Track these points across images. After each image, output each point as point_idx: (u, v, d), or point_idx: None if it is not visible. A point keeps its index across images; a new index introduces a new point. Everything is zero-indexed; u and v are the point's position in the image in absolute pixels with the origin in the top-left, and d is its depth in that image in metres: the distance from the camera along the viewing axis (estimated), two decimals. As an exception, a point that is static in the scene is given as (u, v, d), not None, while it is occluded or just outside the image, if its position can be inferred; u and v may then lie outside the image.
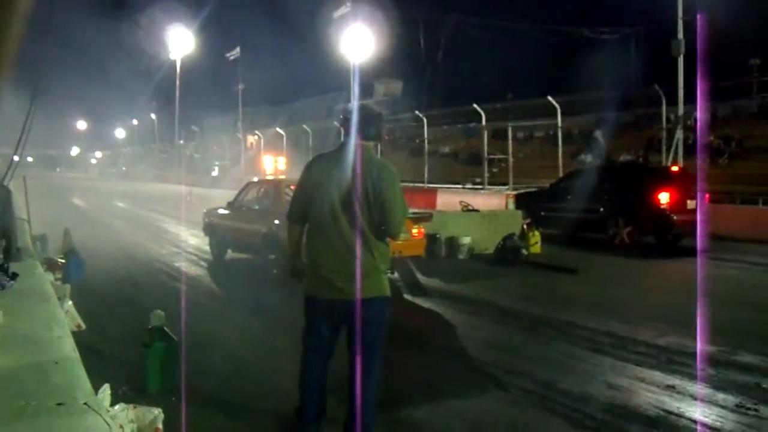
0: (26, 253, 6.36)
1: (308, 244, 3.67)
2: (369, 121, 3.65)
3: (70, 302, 6.50)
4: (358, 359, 3.61)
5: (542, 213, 14.40)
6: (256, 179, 12.03)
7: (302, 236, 3.75)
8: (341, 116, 3.86)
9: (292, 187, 8.77)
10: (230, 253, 11.16)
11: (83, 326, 6.43)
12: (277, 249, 8.67)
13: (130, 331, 6.02)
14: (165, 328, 4.85)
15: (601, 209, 13.63)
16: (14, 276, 4.40)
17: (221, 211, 11.29)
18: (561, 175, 21.05)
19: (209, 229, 11.65)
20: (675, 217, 12.78)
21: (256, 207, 10.12)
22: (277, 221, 8.76)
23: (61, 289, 6.63)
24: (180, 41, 51.12)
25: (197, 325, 6.56)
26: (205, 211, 12.15)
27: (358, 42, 32.65)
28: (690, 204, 12.93)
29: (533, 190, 17.73)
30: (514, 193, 18.35)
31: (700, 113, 19.02)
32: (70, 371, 2.68)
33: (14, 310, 3.62)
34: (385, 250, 3.65)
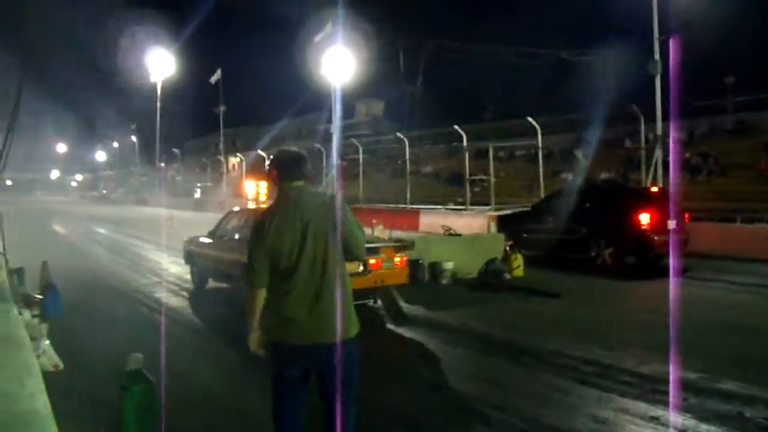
0: (1, 293, 6.25)
1: (273, 296, 3.58)
2: (295, 163, 3.67)
3: (47, 341, 6.37)
4: (334, 404, 3.54)
5: (524, 234, 14.46)
6: (237, 208, 11.94)
7: (262, 300, 3.63)
8: (266, 166, 3.85)
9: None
10: (211, 282, 11.06)
11: (61, 366, 6.29)
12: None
13: (110, 369, 5.90)
14: (143, 370, 4.76)
15: (583, 230, 13.69)
16: (-13, 324, 4.29)
17: (202, 239, 11.20)
18: (543, 193, 21.22)
19: (190, 258, 11.55)
20: (655, 238, 12.85)
21: (237, 236, 10.04)
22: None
23: (38, 328, 6.51)
24: (161, 63, 51.09)
25: (178, 362, 6.47)
26: (185, 239, 12.05)
27: (339, 63, 32.77)
28: (670, 224, 13.01)
29: (515, 211, 17.82)
30: (497, 214, 18.40)
31: (673, 134, 19.23)
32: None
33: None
34: (348, 286, 3.62)
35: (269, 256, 3.54)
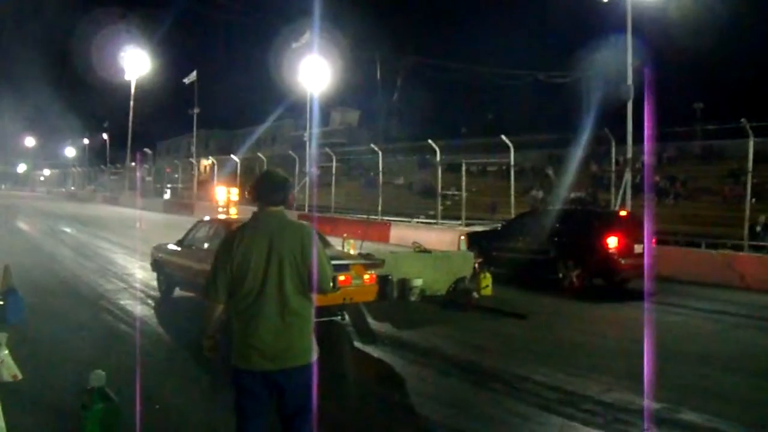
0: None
1: (235, 317, 3.61)
2: (276, 188, 3.69)
3: (6, 351, 6.25)
4: (293, 426, 3.59)
5: (494, 253, 14.55)
6: (207, 218, 11.83)
7: (222, 313, 3.67)
8: (249, 185, 3.89)
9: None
10: (178, 291, 10.94)
11: (20, 376, 6.18)
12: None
13: (72, 381, 5.83)
14: (105, 388, 4.70)
15: (552, 251, 13.83)
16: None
17: (171, 247, 11.09)
18: (513, 210, 21.42)
19: (157, 265, 11.43)
20: (622, 261, 13.02)
21: (206, 246, 9.96)
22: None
23: (-2, 337, 6.39)
24: (136, 62, 50.64)
25: (142, 377, 6.38)
26: (154, 245, 11.92)
27: (316, 71, 32.78)
28: (637, 248, 13.20)
29: (486, 228, 17.93)
30: (467, 230, 18.50)
31: (647, 158, 19.57)
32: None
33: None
34: (311, 313, 3.66)
35: (232, 274, 3.55)
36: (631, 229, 13.51)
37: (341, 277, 8.49)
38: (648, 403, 6.14)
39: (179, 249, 10.71)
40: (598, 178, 29.61)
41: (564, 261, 13.58)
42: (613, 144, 20.76)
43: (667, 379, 7.06)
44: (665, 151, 31.53)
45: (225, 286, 3.58)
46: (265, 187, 3.68)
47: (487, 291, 12.09)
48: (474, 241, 15.55)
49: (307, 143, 31.05)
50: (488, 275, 12.30)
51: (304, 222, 3.85)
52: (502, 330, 9.72)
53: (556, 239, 13.99)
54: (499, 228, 16.41)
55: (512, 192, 22.50)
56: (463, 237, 16.20)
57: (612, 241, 13.10)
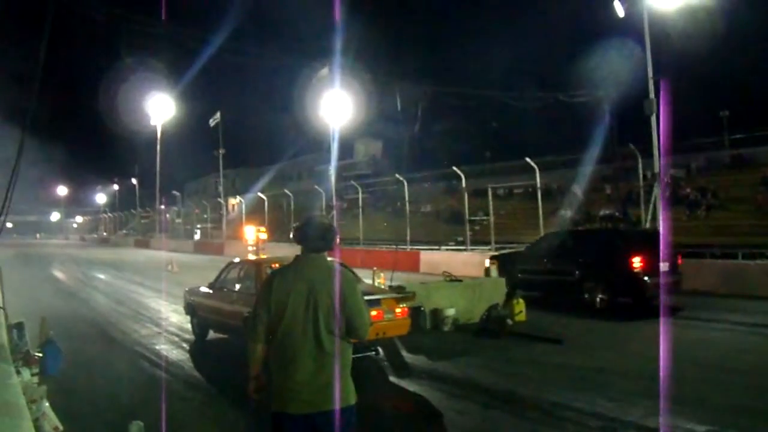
0: (0, 354, 6.22)
1: (274, 360, 3.67)
2: (319, 235, 3.77)
3: (47, 404, 6.34)
4: None
5: (519, 275, 14.45)
6: (237, 259, 11.93)
7: (266, 353, 3.73)
8: (293, 227, 3.97)
9: (274, 265, 8.76)
10: (212, 333, 11.01)
11: (61, 428, 6.25)
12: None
13: (111, 431, 5.87)
14: (144, 440, 4.72)
15: (577, 272, 13.71)
16: (-13, 395, 4.27)
17: (203, 289, 11.20)
18: (542, 231, 21.26)
19: (190, 308, 11.52)
20: (647, 280, 12.80)
21: (237, 288, 10.04)
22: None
23: (37, 390, 6.48)
24: (161, 107, 51.45)
25: (180, 425, 6.43)
26: (186, 289, 12.04)
27: (338, 104, 33.04)
28: (663, 266, 12.96)
29: (510, 251, 17.86)
30: (495, 254, 18.38)
31: (663, 173, 19.29)
32: None
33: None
34: (349, 357, 3.71)
35: (270, 314, 3.63)
36: (656, 246, 13.24)
37: (373, 312, 8.46)
38: (692, 426, 6.01)
39: (211, 291, 10.80)
40: (627, 194, 29.32)
41: (589, 282, 13.49)
42: (639, 159, 20.59)
43: (711, 399, 6.91)
44: (694, 162, 31.18)
45: (265, 325, 3.67)
46: (309, 234, 3.77)
47: (521, 317, 11.97)
48: (500, 264, 15.47)
49: (331, 177, 31.24)
50: (521, 301, 12.18)
51: (346, 269, 3.90)
52: (538, 356, 9.60)
53: (580, 260, 13.92)
54: (524, 250, 16.35)
55: (540, 213, 22.39)
56: (488, 261, 16.09)
57: (636, 261, 12.94)
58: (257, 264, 10.14)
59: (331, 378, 3.57)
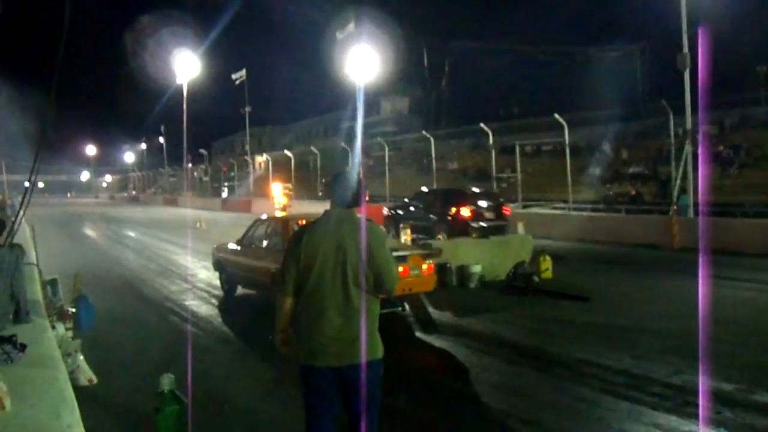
0: (35, 308, 6.38)
1: (303, 314, 3.70)
2: (348, 190, 3.78)
3: (81, 357, 6.53)
4: (359, 422, 3.64)
5: (401, 222, 17.64)
6: (264, 216, 12.01)
7: (295, 307, 3.75)
8: (323, 182, 3.98)
9: (301, 222, 8.81)
10: (240, 289, 11.17)
11: (95, 380, 6.45)
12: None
13: (143, 384, 6.02)
14: (175, 391, 4.84)
15: (431, 217, 18.38)
16: (23, 347, 4.40)
17: (231, 246, 11.32)
18: (570, 190, 21.14)
19: (219, 265, 11.68)
20: (473, 224, 16.54)
21: (265, 244, 10.14)
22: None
23: (72, 344, 6.66)
24: (186, 65, 51.56)
25: (209, 378, 6.57)
26: (214, 246, 12.18)
27: (363, 61, 32.76)
28: (489, 215, 17.69)
29: (398, 204, 21.77)
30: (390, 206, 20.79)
31: (702, 136, 18.89)
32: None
33: (21, 390, 3.60)
34: (376, 311, 3.74)
35: (299, 268, 3.65)
36: (488, 201, 18.24)
37: (400, 269, 8.51)
38: (720, 384, 6.00)
39: (239, 248, 10.92)
40: (658, 151, 28.84)
41: (437, 225, 17.64)
42: (671, 115, 20.16)
43: (740, 358, 6.88)
44: (728, 119, 30.49)
45: (294, 279, 3.68)
46: (338, 189, 3.77)
47: (547, 274, 11.94)
48: (393, 214, 20.46)
49: (358, 134, 31.14)
50: (548, 258, 12.14)
51: (374, 223, 3.91)
52: (565, 314, 9.58)
53: (433, 210, 18.59)
54: (402, 203, 21.13)
55: (568, 171, 22.14)
56: (521, 220, 16.10)
57: (465, 211, 17.48)
58: (284, 220, 10.22)
59: (359, 332, 3.59)
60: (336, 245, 3.63)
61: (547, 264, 12.05)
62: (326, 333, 3.58)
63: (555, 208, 24.39)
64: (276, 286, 3.84)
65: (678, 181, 19.47)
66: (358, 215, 3.81)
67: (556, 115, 21.64)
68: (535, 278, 11.40)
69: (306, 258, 3.65)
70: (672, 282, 11.94)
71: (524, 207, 23.92)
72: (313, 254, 3.64)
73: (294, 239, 3.81)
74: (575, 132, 25.01)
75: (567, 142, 22.41)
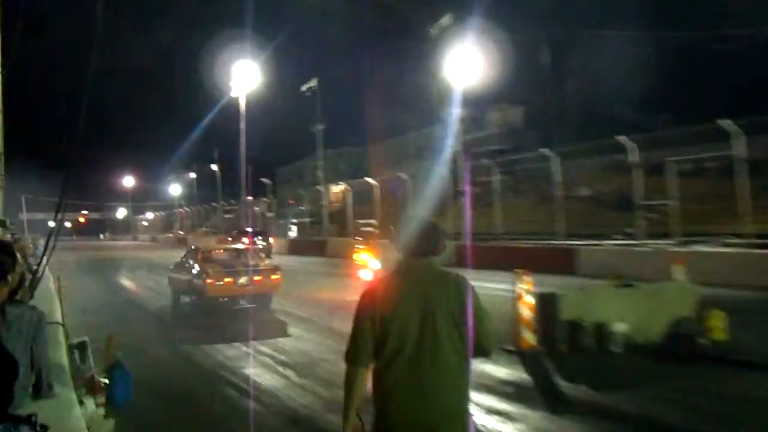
0: (60, 377, 6.53)
1: (379, 387, 3.69)
2: (423, 240, 3.82)
3: (115, 443, 6.63)
4: None
5: None
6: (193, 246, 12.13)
7: (366, 382, 3.73)
8: (390, 229, 3.97)
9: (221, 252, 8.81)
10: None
11: (132, 472, 6.54)
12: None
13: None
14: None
15: None
16: (44, 429, 4.47)
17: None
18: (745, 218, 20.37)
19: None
20: None
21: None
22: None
23: (105, 424, 6.79)
24: (244, 75, 50.71)
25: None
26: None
27: (462, 62, 32.73)
28: None
29: None
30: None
31: None
32: None
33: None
34: (469, 378, 3.74)
35: (376, 333, 3.65)
36: None
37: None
38: None
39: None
40: None
41: None
42: None
43: None
44: None
45: (366, 345, 3.68)
46: (411, 237, 3.81)
47: (719, 334, 11.42)
48: None
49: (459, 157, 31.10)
50: (719, 313, 11.63)
51: (459, 273, 3.90)
52: (749, 390, 9.12)
53: None
54: None
55: (745, 194, 21.30)
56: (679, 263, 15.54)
57: None
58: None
59: (453, 402, 3.62)
60: (421, 302, 3.65)
61: (718, 321, 11.53)
62: (414, 407, 3.57)
63: (726, 245, 23.47)
64: (346, 357, 3.78)
65: None
66: (443, 268, 3.81)
67: (720, 122, 20.90)
68: (702, 340, 10.96)
69: (383, 320, 3.65)
70: None
71: (683, 244, 23.18)
72: (393, 314, 3.65)
73: (366, 297, 3.79)
74: (753, 141, 24.02)
75: (742, 155, 21.53)
